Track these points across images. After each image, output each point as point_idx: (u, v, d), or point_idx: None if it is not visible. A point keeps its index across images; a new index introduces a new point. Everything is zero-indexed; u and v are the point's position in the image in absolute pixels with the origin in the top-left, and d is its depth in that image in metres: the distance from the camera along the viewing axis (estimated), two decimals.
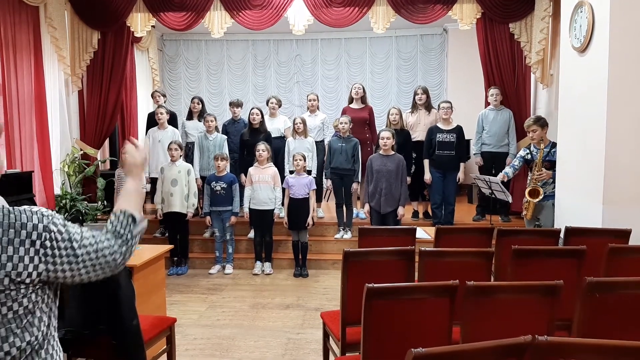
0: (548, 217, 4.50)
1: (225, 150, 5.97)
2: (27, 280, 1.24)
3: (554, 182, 4.52)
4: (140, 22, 6.59)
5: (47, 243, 1.26)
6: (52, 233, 1.27)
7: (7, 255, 1.21)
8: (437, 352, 1.44)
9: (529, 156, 4.69)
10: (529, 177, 4.69)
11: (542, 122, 4.58)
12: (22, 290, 1.24)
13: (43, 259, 1.26)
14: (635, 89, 3.59)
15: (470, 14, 6.21)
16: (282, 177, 5.76)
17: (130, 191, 1.50)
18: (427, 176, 5.99)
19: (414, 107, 6.37)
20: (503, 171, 4.89)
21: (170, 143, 5.64)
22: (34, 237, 1.24)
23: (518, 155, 4.84)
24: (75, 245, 1.31)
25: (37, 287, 1.27)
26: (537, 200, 4.47)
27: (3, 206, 1.28)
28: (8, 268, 1.21)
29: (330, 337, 3.04)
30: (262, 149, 5.46)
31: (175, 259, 5.72)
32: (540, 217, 4.56)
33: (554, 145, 4.57)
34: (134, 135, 8.15)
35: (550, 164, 4.53)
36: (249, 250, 5.94)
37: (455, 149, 5.86)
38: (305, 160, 5.50)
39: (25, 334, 1.26)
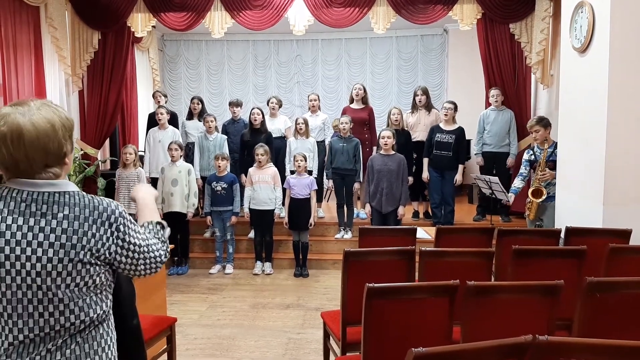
0: (551, 217, 4.49)
1: (226, 150, 5.97)
2: (102, 258, 1.39)
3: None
4: (140, 22, 6.59)
5: (121, 227, 1.42)
6: (125, 220, 1.43)
7: (91, 232, 1.37)
8: (437, 352, 1.44)
9: (533, 157, 4.69)
10: (532, 178, 4.68)
11: (544, 123, 4.58)
12: (97, 268, 1.39)
13: (115, 241, 1.41)
14: (636, 89, 3.59)
15: (470, 15, 6.21)
16: (283, 178, 5.76)
17: (146, 205, 1.68)
18: (425, 175, 6.00)
19: (414, 107, 6.37)
20: (513, 188, 4.75)
21: (171, 143, 5.64)
22: (112, 220, 1.40)
23: (523, 161, 4.79)
24: (139, 236, 1.49)
25: (108, 267, 1.43)
26: (540, 200, 4.47)
27: (85, 193, 1.44)
28: (91, 244, 1.36)
29: (330, 337, 3.04)
30: (261, 153, 5.44)
31: (176, 258, 5.73)
32: (543, 218, 4.56)
33: (557, 145, 4.56)
34: (134, 135, 8.15)
35: (554, 164, 4.51)
36: (250, 250, 5.94)
37: (452, 149, 5.86)
38: (306, 161, 5.50)
39: (97, 307, 1.41)
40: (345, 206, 5.92)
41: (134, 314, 2.37)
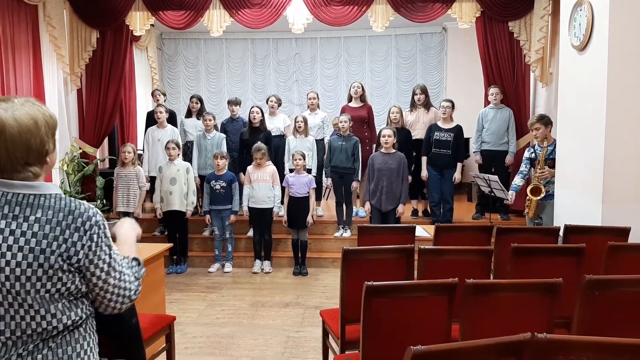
0: (550, 215, 4.50)
1: (224, 149, 5.96)
2: (75, 265, 1.35)
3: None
4: (139, 20, 6.58)
5: (94, 237, 1.37)
6: (100, 230, 1.39)
7: (63, 237, 1.32)
8: (436, 350, 1.44)
9: (533, 155, 4.69)
10: (532, 175, 4.69)
11: (545, 121, 4.57)
12: (70, 275, 1.35)
13: (87, 250, 1.36)
14: (635, 87, 3.59)
15: (469, 13, 6.21)
16: (282, 176, 5.76)
17: (128, 240, 1.63)
18: (424, 173, 6.00)
19: (413, 105, 6.37)
20: (513, 186, 4.76)
21: (168, 142, 5.63)
22: (87, 227, 1.36)
23: (524, 159, 4.80)
24: (112, 252, 1.43)
25: (82, 274, 1.38)
26: (539, 198, 4.47)
27: (65, 195, 1.39)
28: (62, 249, 1.32)
29: (329, 335, 3.04)
30: (259, 156, 5.41)
31: (175, 257, 5.72)
32: (542, 216, 4.56)
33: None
34: (133, 133, 8.14)
35: (554, 163, 4.51)
36: (248, 248, 5.94)
37: (451, 148, 5.86)
38: (305, 159, 5.50)
39: (72, 313, 1.37)
40: (344, 204, 5.92)
41: (133, 313, 2.37)
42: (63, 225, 1.33)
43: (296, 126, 5.98)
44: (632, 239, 3.26)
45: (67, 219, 1.34)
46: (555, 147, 4.55)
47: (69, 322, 1.37)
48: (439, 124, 5.98)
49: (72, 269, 1.35)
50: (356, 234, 3.66)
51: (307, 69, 9.77)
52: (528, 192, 4.56)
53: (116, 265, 1.43)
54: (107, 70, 6.71)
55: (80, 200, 1.40)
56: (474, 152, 6.40)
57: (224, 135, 6.16)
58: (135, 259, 1.58)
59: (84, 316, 1.42)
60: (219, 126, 6.48)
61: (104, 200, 6.44)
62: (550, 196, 4.51)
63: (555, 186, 4.47)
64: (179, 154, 5.65)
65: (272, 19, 6.42)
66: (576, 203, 4.04)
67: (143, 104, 8.59)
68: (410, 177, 5.84)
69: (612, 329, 2.00)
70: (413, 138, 6.16)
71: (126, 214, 5.64)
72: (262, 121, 5.99)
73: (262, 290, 5.06)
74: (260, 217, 5.54)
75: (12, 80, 5.54)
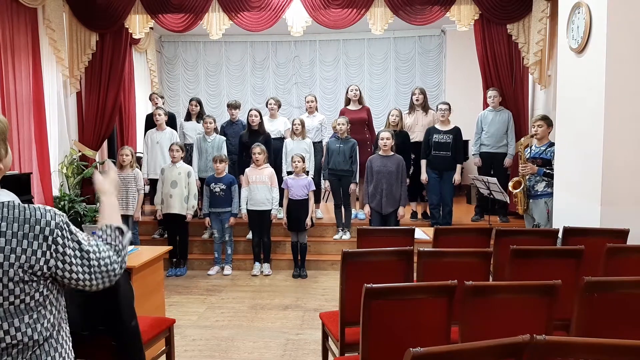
0: (542, 216, 4.54)
1: (224, 152, 5.97)
2: (39, 274, 1.29)
3: (545, 180, 4.54)
4: (138, 23, 6.59)
5: (59, 240, 1.32)
6: (63, 231, 1.33)
7: (21, 248, 1.27)
8: (435, 352, 1.44)
9: (530, 154, 4.73)
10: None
11: (549, 122, 4.66)
12: (34, 284, 1.30)
13: (54, 254, 1.31)
14: (633, 90, 3.60)
15: (468, 15, 6.23)
16: (280, 178, 5.76)
17: (109, 206, 1.56)
18: (424, 176, 6.01)
19: (411, 108, 6.38)
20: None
21: (172, 144, 5.64)
22: (47, 232, 1.30)
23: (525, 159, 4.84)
24: (82, 246, 1.37)
25: (48, 281, 1.34)
26: (518, 190, 4.60)
27: (19, 203, 1.33)
28: (22, 260, 1.26)
29: (329, 338, 3.04)
30: (258, 152, 5.44)
31: (174, 260, 5.72)
32: (534, 217, 4.59)
33: (551, 144, 4.61)
34: (132, 136, 8.14)
35: (543, 162, 4.57)
36: (248, 251, 5.94)
37: (451, 149, 5.87)
38: (303, 162, 5.50)
39: (37, 325, 1.32)
40: (342, 207, 5.92)
41: (133, 316, 2.37)
42: (19, 236, 1.27)
43: (293, 129, 5.99)
44: (631, 240, 3.27)
45: (23, 229, 1.27)
46: (548, 147, 4.59)
47: (36, 336, 1.31)
48: (437, 126, 5.99)
49: (35, 278, 1.29)
50: (355, 237, 3.65)
51: (306, 72, 9.78)
52: (510, 187, 4.71)
53: (90, 254, 1.37)
54: (107, 73, 6.71)
55: (35, 206, 1.33)
56: (472, 155, 6.40)
57: (224, 138, 6.17)
58: (118, 227, 1.50)
59: (53, 327, 1.37)
60: (219, 129, 6.48)
61: None
62: (540, 195, 4.56)
63: (554, 188, 4.48)
64: (182, 157, 5.65)
65: (271, 22, 6.43)
66: (575, 205, 4.05)
67: (142, 107, 8.59)
68: (408, 180, 5.85)
69: (611, 330, 2.01)
70: (411, 140, 6.16)
71: (125, 217, 5.64)
72: (261, 124, 6.00)
73: (261, 293, 5.06)
74: (259, 220, 5.54)
75: (11, 83, 5.55)
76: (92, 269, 1.37)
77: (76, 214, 6.06)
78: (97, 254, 1.39)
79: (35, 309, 1.31)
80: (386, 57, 9.57)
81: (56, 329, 1.38)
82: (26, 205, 1.32)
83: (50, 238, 1.30)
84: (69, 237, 1.35)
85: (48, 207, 1.35)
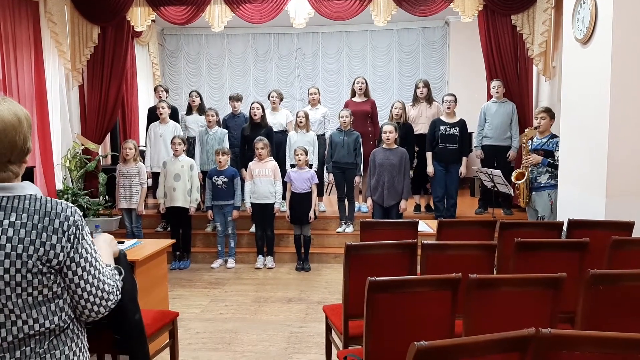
0: (545, 208, 4.52)
1: (226, 145, 5.96)
2: (57, 267, 1.32)
3: (548, 172, 4.52)
4: (140, 16, 6.57)
5: (73, 237, 1.34)
6: (80, 229, 1.36)
7: (40, 240, 1.29)
8: (439, 345, 1.43)
9: (533, 145, 4.71)
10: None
11: (551, 114, 4.66)
12: (52, 277, 1.32)
13: (68, 249, 1.34)
14: (639, 81, 3.57)
15: (472, 6, 6.17)
16: (284, 171, 5.75)
17: (105, 246, 1.62)
18: (430, 169, 5.97)
19: (415, 100, 6.34)
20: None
21: (174, 137, 5.64)
22: (65, 227, 1.33)
23: (529, 151, 4.81)
24: (94, 255, 1.42)
25: (63, 274, 1.36)
26: (521, 181, 4.59)
27: (41, 196, 1.35)
28: (40, 252, 1.29)
29: (332, 331, 3.04)
30: (261, 146, 5.43)
31: (178, 253, 5.73)
32: (538, 209, 4.58)
33: (553, 136, 4.61)
34: (135, 130, 8.14)
35: (545, 153, 4.56)
36: (251, 244, 5.94)
37: (457, 142, 5.84)
38: (306, 155, 5.49)
39: (55, 317, 1.34)
40: (346, 200, 5.91)
41: (136, 309, 2.37)
42: (39, 228, 1.29)
43: (297, 121, 5.96)
44: (636, 233, 3.25)
45: (44, 221, 1.30)
46: (550, 139, 4.57)
47: (53, 326, 1.34)
48: (443, 118, 5.95)
49: (53, 271, 1.31)
50: (359, 230, 3.64)
51: (308, 64, 9.74)
52: (513, 178, 4.69)
53: (97, 264, 1.41)
54: (109, 66, 6.70)
55: (57, 200, 1.36)
56: (474, 147, 6.37)
57: (226, 131, 6.16)
58: (116, 268, 1.54)
59: (70, 318, 1.39)
60: (221, 122, 6.47)
61: (107, 197, 6.45)
62: (543, 187, 4.55)
63: (558, 180, 4.46)
64: (184, 150, 5.65)
65: (274, 14, 6.40)
66: (580, 197, 4.03)
67: (145, 100, 8.59)
68: (412, 173, 5.82)
69: (616, 323, 1.99)
70: (415, 133, 6.13)
71: (128, 210, 5.66)
72: (263, 117, 5.98)
73: (264, 286, 5.07)
74: (263, 213, 5.54)
75: (13, 76, 5.55)
76: (90, 277, 1.39)
77: (79, 207, 6.07)
78: (106, 275, 1.44)
79: (53, 301, 1.34)
80: (389, 49, 9.51)
81: (72, 321, 1.40)
82: (48, 198, 1.35)
83: (67, 234, 1.33)
84: (85, 236, 1.38)
85: (69, 204, 1.38)
